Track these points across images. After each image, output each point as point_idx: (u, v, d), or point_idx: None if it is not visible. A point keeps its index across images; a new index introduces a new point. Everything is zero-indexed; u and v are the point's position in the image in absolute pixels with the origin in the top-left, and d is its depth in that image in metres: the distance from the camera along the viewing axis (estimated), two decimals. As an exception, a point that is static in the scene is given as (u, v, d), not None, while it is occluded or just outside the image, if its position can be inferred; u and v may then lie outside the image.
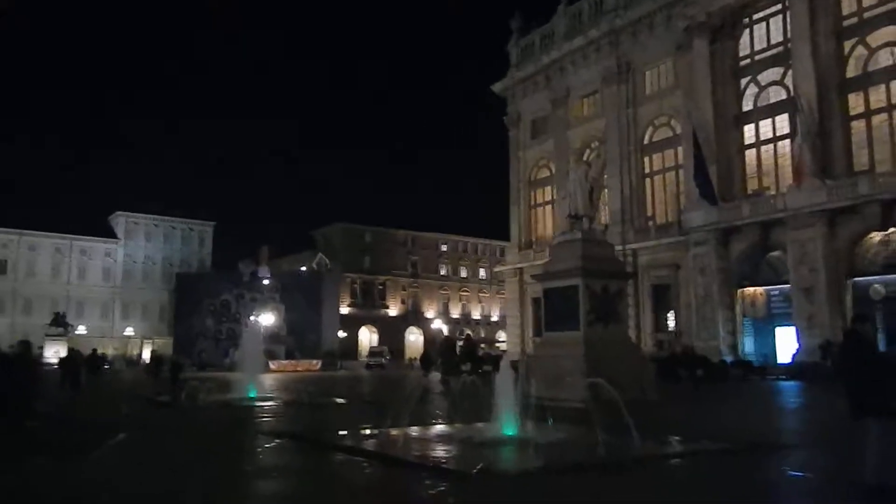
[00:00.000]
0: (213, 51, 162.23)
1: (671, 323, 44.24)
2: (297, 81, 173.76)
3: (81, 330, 79.80)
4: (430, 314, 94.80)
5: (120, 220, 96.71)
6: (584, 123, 51.15)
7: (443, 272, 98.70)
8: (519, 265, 54.34)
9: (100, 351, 42.04)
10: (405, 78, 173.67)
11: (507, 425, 11.67)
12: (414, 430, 12.93)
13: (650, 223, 46.06)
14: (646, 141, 46.89)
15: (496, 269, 71.94)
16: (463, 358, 29.41)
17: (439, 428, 13.99)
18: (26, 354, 14.44)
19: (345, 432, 13.09)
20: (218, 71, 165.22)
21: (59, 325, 66.44)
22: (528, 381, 14.09)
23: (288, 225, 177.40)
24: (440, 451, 10.79)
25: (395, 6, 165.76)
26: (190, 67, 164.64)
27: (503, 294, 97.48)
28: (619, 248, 36.67)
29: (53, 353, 60.97)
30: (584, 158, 42.72)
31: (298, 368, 56.64)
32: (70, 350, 25.78)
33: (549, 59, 53.01)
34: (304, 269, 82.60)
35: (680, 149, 44.06)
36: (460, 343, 32.23)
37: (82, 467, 10.46)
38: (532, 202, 56.07)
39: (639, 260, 44.93)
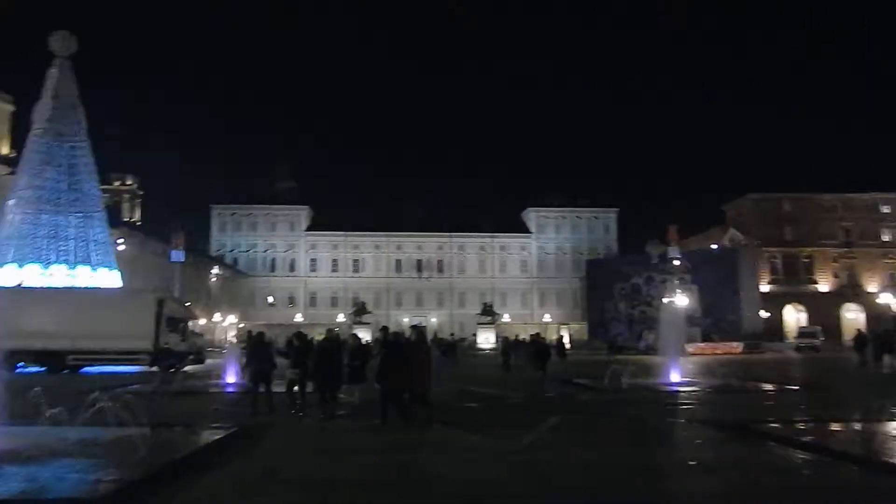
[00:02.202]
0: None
1: None
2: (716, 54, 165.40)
3: (506, 318, 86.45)
4: (872, 288, 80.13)
5: (531, 216, 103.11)
6: None
7: (886, 238, 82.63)
8: None
9: (520, 337, 44.19)
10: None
11: None
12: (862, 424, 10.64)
13: None
14: None
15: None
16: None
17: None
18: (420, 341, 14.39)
19: (778, 424, 11.50)
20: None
21: (488, 314, 72.58)
22: None
23: (693, 202, 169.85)
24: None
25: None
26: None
27: None
28: None
29: (484, 339, 66.94)
30: None
31: (717, 352, 52.47)
32: (535, 335, 26.93)
33: None
34: (714, 246, 76.83)
35: None
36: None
37: (516, 447, 10.00)
38: None
39: None
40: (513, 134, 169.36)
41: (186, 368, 29.26)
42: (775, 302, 77.83)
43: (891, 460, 8.09)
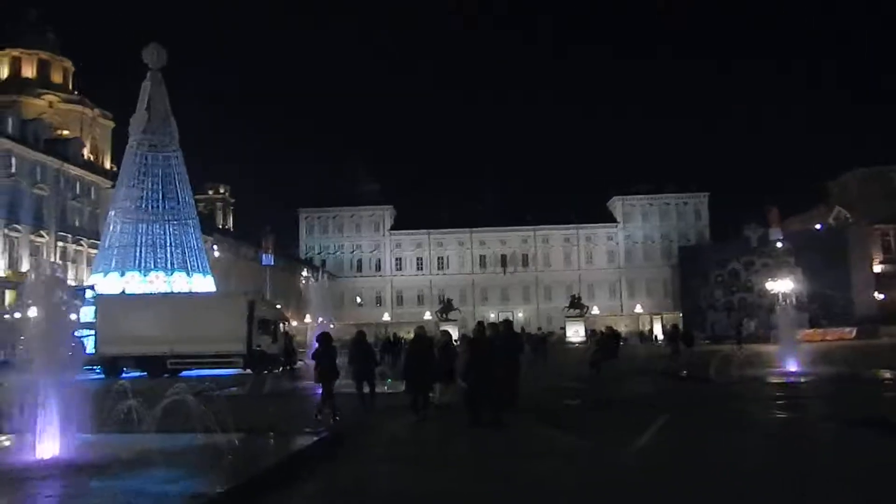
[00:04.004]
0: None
1: None
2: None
3: (595, 310, 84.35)
4: None
5: (617, 205, 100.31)
6: None
7: None
8: None
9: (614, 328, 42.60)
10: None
11: None
12: None
13: None
14: None
15: None
16: None
17: None
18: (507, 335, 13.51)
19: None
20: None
21: (576, 307, 70.91)
22: None
23: (790, 182, 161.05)
24: None
25: None
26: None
27: None
28: None
29: (573, 332, 65.40)
30: None
31: (828, 338, 49.10)
32: (607, 329, 25.97)
33: None
34: (818, 226, 72.29)
35: None
36: None
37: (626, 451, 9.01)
38: None
39: None
40: (595, 121, 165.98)
41: (279, 370, 29.45)
42: (890, 283, 72.19)
43: None
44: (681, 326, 43.74)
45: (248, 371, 28.70)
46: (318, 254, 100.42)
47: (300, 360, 32.64)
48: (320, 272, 67.20)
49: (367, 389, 14.32)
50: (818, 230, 72.10)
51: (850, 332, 51.57)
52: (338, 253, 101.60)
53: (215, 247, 62.90)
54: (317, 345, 14.22)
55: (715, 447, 9.41)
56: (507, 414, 11.68)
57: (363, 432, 11.48)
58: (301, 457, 8.91)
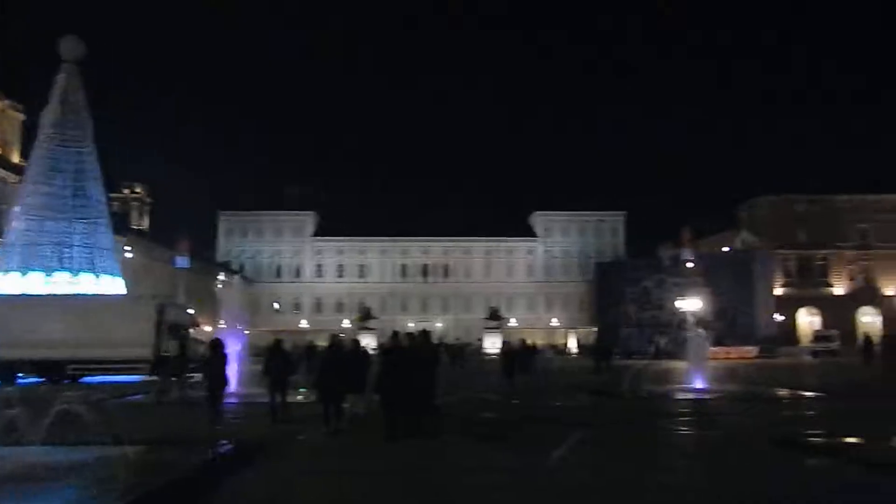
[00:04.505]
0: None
1: None
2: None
3: (513, 323, 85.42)
4: (890, 291, 78.73)
5: (538, 220, 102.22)
6: None
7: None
8: None
9: (529, 341, 43.19)
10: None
11: None
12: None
13: None
14: None
15: None
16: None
17: None
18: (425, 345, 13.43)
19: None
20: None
21: (494, 318, 71.62)
22: None
23: (704, 206, 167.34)
24: None
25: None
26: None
27: None
28: None
29: (491, 343, 65.95)
30: None
31: (731, 356, 51.19)
32: (520, 341, 26.17)
33: None
34: (727, 249, 75.67)
35: None
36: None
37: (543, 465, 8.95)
38: None
39: None
40: (519, 138, 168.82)
41: (189, 377, 28.38)
42: (789, 305, 76.56)
43: None
44: (596, 341, 44.90)
45: (156, 378, 27.57)
46: (237, 258, 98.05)
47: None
48: (236, 276, 65.53)
49: (279, 399, 13.97)
50: (726, 253, 75.42)
51: (752, 351, 53.86)
52: (257, 258, 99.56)
53: (128, 248, 60.25)
54: (266, 353, 13.88)
55: (633, 463, 9.50)
56: (424, 426, 11.56)
57: (275, 443, 11.10)
58: (205, 470, 8.50)
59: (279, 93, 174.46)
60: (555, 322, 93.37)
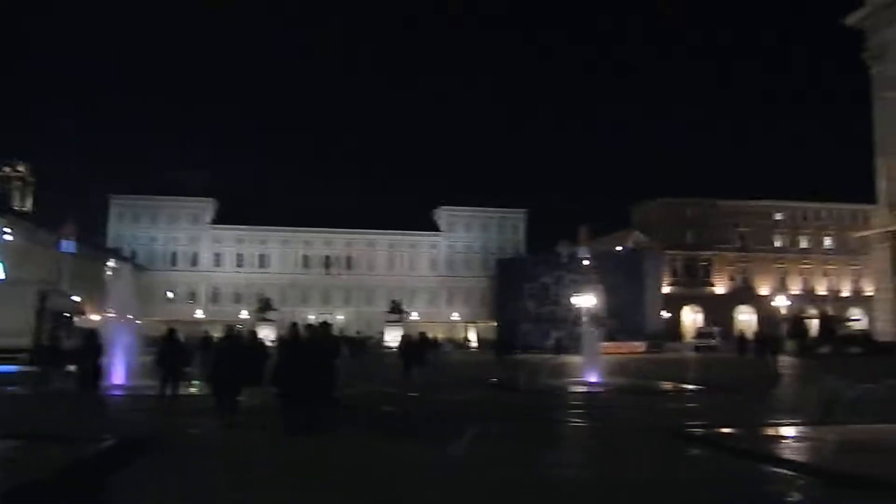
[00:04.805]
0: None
1: None
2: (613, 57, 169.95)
3: (414, 316, 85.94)
4: (763, 291, 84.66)
5: (442, 215, 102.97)
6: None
7: (778, 244, 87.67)
8: (891, 228, 44.93)
9: (431, 335, 43.55)
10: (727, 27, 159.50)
11: None
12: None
13: None
14: None
15: (858, 235, 60.73)
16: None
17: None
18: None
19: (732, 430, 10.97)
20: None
21: (396, 312, 71.85)
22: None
23: (604, 204, 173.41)
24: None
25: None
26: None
27: (856, 265, 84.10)
28: None
29: (392, 337, 66.12)
30: None
31: (621, 351, 53.56)
32: (415, 336, 26.27)
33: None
34: (620, 248, 78.97)
35: None
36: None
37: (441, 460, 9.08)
38: (909, 151, 46.15)
39: None
40: (427, 132, 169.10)
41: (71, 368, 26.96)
42: (675, 303, 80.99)
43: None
44: (498, 336, 45.96)
45: (36, 368, 26.02)
46: (130, 244, 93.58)
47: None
48: (127, 263, 62.56)
49: (169, 391, 13.55)
50: (619, 252, 78.63)
51: (641, 346, 56.58)
52: (151, 245, 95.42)
53: (7, 230, 56.29)
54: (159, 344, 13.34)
55: (534, 456, 9.67)
56: (323, 419, 11.49)
57: (165, 437, 10.74)
58: (81, 467, 8.02)
59: (182, 74, 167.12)
60: (455, 316, 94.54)
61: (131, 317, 22.47)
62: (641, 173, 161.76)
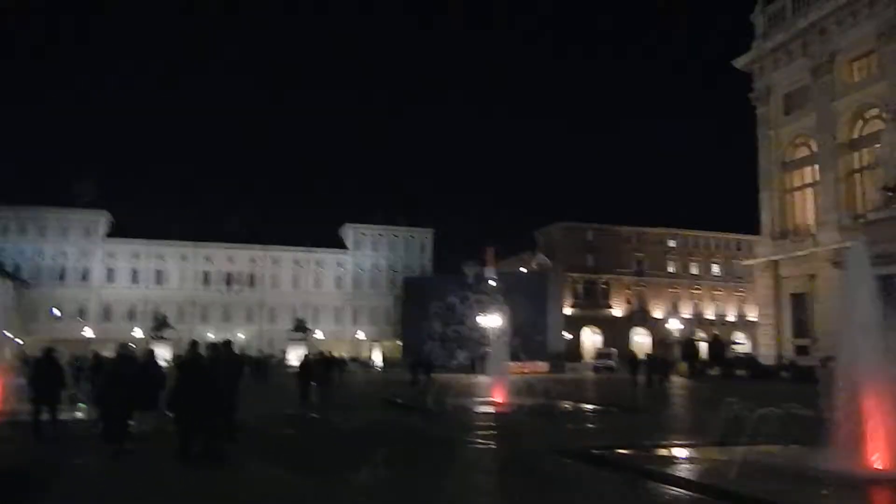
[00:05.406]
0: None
1: None
2: (511, 74, 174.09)
3: (319, 335, 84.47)
4: (657, 314, 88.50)
5: (349, 232, 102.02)
6: (855, 91, 44.43)
7: (671, 269, 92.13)
8: (773, 257, 47.95)
9: (335, 353, 42.90)
10: (630, 61, 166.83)
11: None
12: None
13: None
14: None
15: (744, 263, 64.46)
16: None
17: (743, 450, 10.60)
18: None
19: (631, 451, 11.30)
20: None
21: (300, 330, 70.41)
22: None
23: (509, 226, 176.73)
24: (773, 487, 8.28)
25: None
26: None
27: (740, 292, 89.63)
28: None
29: (295, 355, 64.62)
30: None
31: (525, 370, 54.39)
32: (315, 355, 25.79)
33: (807, 21, 46.63)
34: (524, 270, 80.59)
35: None
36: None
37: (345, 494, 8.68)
38: (787, 186, 49.81)
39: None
40: (334, 150, 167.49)
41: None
42: (575, 324, 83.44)
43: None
44: (413, 355, 45.82)
45: None
46: (12, 258, 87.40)
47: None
48: (6, 278, 58.43)
49: (46, 416, 12.61)
50: (523, 273, 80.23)
51: (543, 366, 57.69)
52: (37, 258, 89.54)
53: None
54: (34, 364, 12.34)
55: (434, 482, 9.53)
56: (223, 445, 10.97)
57: (43, 470, 9.92)
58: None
59: (79, 83, 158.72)
60: (361, 335, 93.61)
61: (9, 335, 20.97)
62: (547, 197, 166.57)
